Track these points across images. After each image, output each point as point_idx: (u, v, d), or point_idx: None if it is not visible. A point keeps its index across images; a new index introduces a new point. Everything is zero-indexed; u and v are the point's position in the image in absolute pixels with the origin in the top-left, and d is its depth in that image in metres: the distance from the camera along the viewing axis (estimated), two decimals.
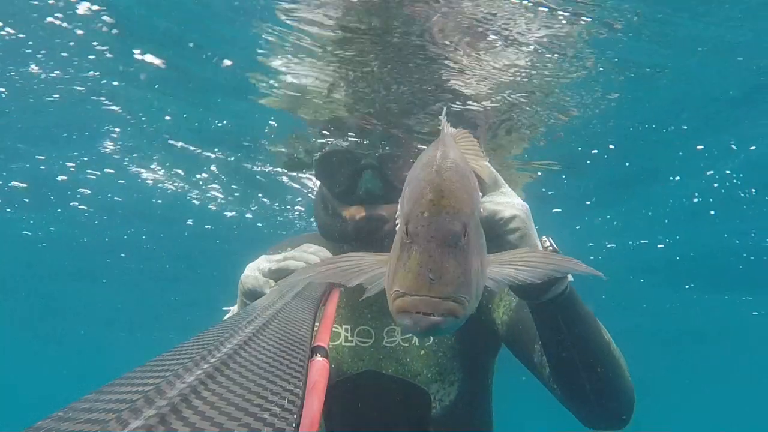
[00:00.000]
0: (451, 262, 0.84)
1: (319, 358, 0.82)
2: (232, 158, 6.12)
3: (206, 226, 8.87)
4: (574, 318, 1.34)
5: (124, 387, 0.42)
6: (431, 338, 1.68)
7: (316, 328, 0.90)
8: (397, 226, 0.97)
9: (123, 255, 10.88)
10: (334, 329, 1.68)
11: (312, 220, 7.39)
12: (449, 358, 1.63)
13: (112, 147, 6.15)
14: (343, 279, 1.08)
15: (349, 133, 3.02)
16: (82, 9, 3.08)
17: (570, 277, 1.33)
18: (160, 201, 7.96)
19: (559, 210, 6.63)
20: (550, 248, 1.34)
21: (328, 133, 3.19)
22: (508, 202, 1.27)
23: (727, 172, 5.60)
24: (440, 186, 0.87)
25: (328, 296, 1.23)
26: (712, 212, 6.77)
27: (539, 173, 5.27)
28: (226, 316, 1.61)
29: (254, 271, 1.45)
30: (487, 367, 1.75)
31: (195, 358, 0.48)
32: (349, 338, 1.67)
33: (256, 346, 0.56)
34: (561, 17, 2.62)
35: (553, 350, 1.41)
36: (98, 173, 7.10)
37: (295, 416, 0.39)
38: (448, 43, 2.69)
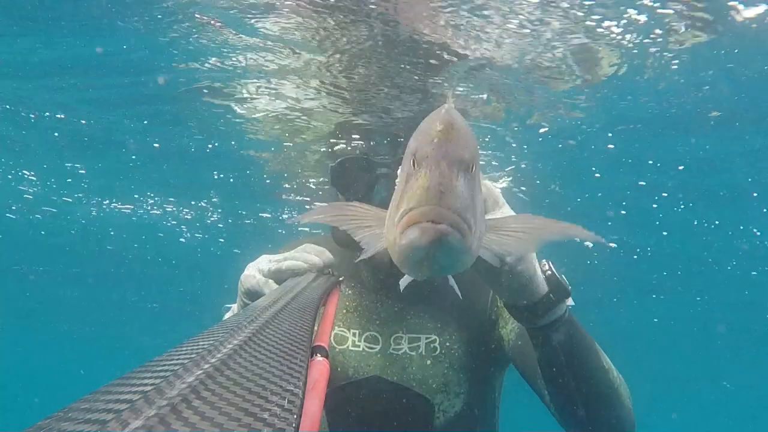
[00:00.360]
0: (461, 182, 0.82)
1: (319, 357, 0.82)
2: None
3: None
4: (571, 343, 1.32)
5: (124, 387, 0.42)
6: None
7: (315, 328, 0.90)
8: (398, 175, 0.95)
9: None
10: (341, 333, 1.68)
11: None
12: (455, 370, 1.63)
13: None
14: (347, 227, 1.07)
15: (354, 136, 3.04)
16: None
17: (570, 302, 1.32)
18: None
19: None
20: (549, 272, 1.32)
21: (340, 138, 3.22)
22: None
23: None
24: (449, 121, 0.86)
25: (328, 297, 1.23)
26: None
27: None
28: (227, 315, 1.61)
29: (254, 270, 1.45)
30: (494, 382, 1.74)
31: (195, 358, 0.48)
32: (357, 343, 1.67)
33: (256, 346, 0.56)
34: None
35: (549, 375, 1.40)
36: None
37: (295, 416, 0.39)
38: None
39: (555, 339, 1.32)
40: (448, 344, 1.64)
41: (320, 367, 0.79)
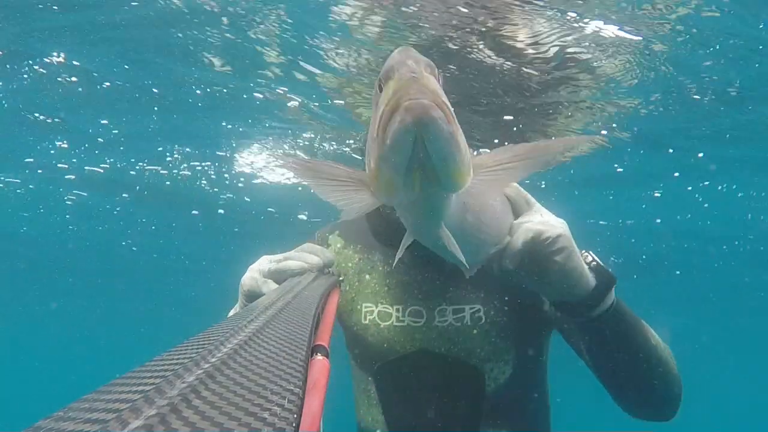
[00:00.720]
0: (431, 78, 0.82)
1: (319, 357, 0.82)
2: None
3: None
4: (620, 331, 1.34)
5: (124, 387, 0.42)
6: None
7: (316, 327, 0.90)
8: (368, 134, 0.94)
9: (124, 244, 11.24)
10: (385, 309, 1.69)
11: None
12: (502, 338, 1.64)
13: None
14: (321, 188, 1.07)
15: None
16: None
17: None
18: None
19: None
20: (594, 263, 1.33)
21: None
22: (547, 222, 1.27)
23: None
24: (406, 47, 0.87)
25: (328, 296, 1.23)
26: None
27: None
28: (231, 312, 1.61)
29: (254, 272, 1.45)
30: (542, 345, 1.76)
31: (195, 358, 0.48)
32: (401, 318, 1.67)
33: (257, 346, 0.56)
34: None
35: (598, 361, 1.44)
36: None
37: (296, 416, 0.39)
38: None
39: (605, 329, 1.34)
40: (492, 313, 1.64)
41: (320, 366, 0.79)
